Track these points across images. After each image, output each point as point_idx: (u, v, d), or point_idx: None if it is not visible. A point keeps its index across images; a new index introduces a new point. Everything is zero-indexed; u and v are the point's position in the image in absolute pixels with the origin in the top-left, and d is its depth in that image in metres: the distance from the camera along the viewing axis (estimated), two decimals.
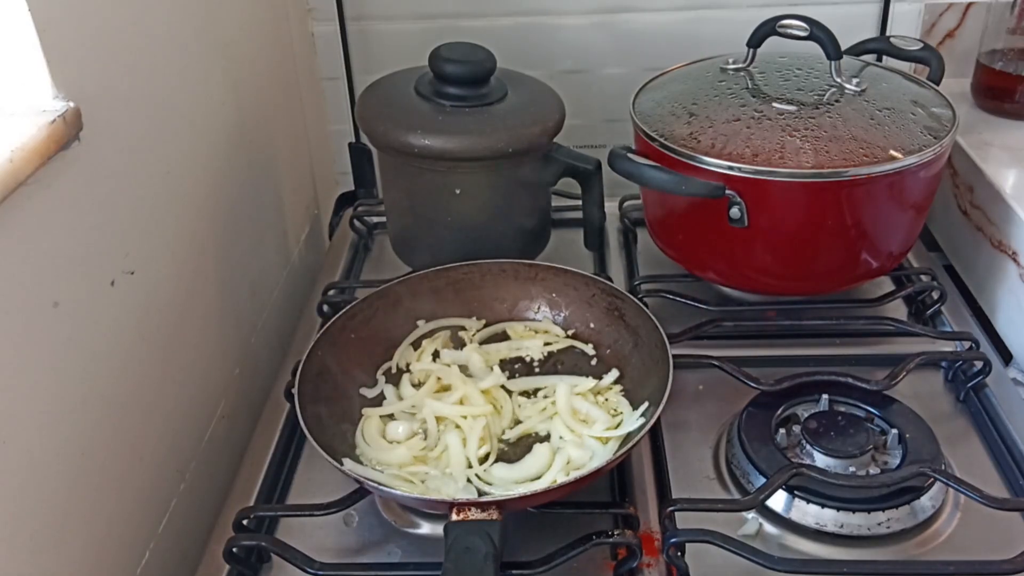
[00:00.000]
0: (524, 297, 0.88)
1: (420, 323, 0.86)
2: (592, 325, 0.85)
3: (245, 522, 0.70)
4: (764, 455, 0.72)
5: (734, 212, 0.81)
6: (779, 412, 0.77)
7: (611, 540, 0.66)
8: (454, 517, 0.62)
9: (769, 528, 0.70)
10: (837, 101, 0.85)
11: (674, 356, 0.73)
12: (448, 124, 0.86)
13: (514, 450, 0.75)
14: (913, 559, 0.67)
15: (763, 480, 0.70)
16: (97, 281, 0.64)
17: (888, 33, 1.12)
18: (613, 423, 0.75)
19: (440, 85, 0.87)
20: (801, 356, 0.85)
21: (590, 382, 0.79)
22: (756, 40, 0.91)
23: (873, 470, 0.71)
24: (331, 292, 0.94)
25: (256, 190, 0.97)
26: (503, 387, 0.79)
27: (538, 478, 0.71)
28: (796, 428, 0.75)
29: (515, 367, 0.83)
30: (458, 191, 0.88)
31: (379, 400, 0.79)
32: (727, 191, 0.80)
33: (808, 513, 0.69)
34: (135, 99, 0.69)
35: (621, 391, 0.79)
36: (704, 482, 0.75)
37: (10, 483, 0.54)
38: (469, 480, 0.71)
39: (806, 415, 0.76)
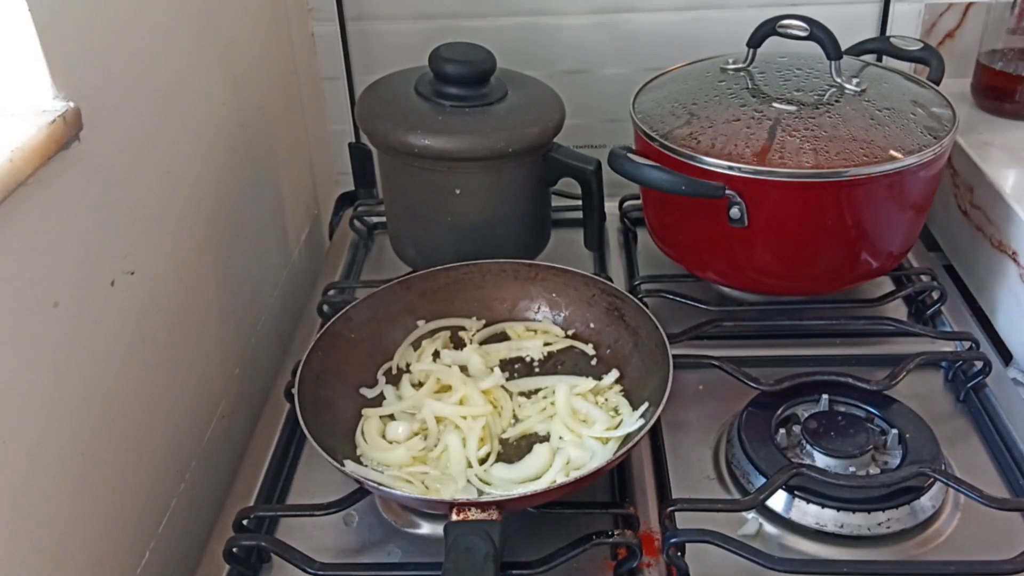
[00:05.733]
0: (524, 297, 0.88)
1: (420, 323, 0.86)
2: (592, 325, 0.85)
3: (245, 522, 0.70)
4: (764, 455, 0.72)
5: (734, 212, 0.81)
6: (779, 412, 0.76)
7: (611, 540, 0.66)
8: (454, 517, 0.62)
9: (769, 528, 0.70)
10: (837, 101, 0.85)
11: (674, 356, 0.73)
12: (448, 124, 0.86)
13: (514, 450, 0.75)
14: (913, 559, 0.67)
15: (763, 480, 0.70)
16: (97, 281, 0.64)
17: (888, 33, 1.12)
18: (613, 423, 0.75)
19: (440, 85, 0.87)
20: (801, 356, 0.85)
21: (590, 382, 0.79)
22: (756, 40, 0.91)
23: (873, 470, 0.71)
24: (331, 292, 0.94)
25: (256, 190, 0.97)
26: (503, 387, 0.79)
27: (538, 478, 0.71)
28: (796, 428, 0.75)
29: (515, 367, 0.83)
30: (458, 191, 0.88)
31: (379, 400, 0.79)
32: (727, 191, 0.80)
33: (808, 513, 0.69)
34: (135, 99, 0.69)
35: (621, 391, 0.79)
36: (704, 482, 0.75)
37: (10, 483, 0.54)
38: (469, 480, 0.71)
39: (806, 415, 0.76)
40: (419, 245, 0.94)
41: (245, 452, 0.79)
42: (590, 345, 0.84)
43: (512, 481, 0.71)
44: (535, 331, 0.86)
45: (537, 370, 0.83)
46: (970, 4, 1.11)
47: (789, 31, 0.87)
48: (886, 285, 0.96)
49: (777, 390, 0.78)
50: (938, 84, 0.92)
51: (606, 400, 0.78)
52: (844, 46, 0.88)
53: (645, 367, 0.78)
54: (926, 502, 0.69)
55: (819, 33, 0.86)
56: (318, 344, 0.77)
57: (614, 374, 0.80)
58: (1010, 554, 0.64)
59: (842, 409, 0.77)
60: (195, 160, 0.81)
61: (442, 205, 0.89)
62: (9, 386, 0.54)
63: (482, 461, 0.72)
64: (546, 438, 0.75)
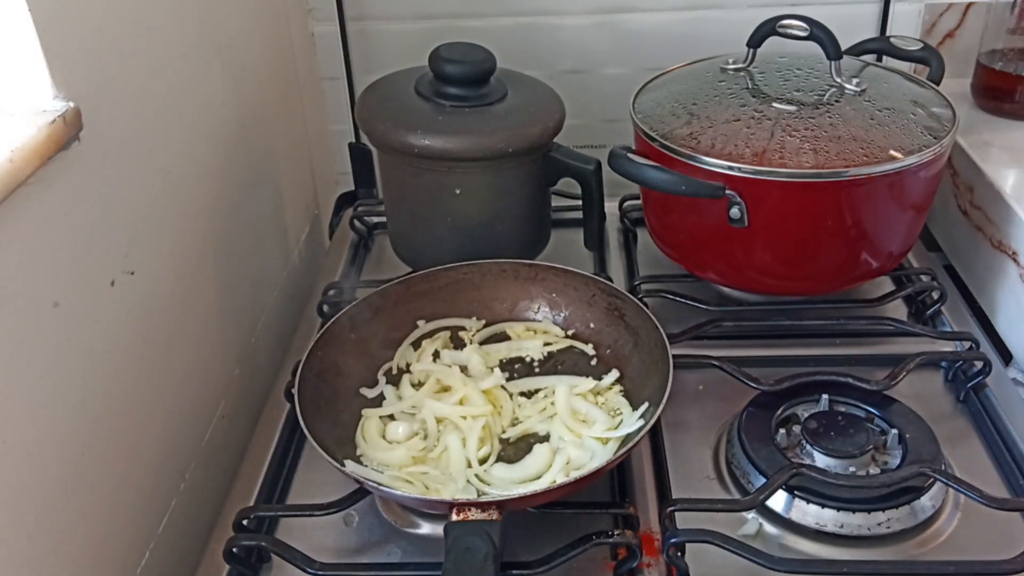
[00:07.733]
0: (524, 297, 0.88)
1: (420, 323, 0.86)
2: (592, 325, 0.85)
3: (245, 522, 0.70)
4: (764, 455, 0.72)
5: (734, 212, 0.81)
6: (779, 412, 0.77)
7: (611, 540, 0.66)
8: (454, 517, 0.62)
9: (769, 528, 0.70)
10: (837, 101, 0.85)
11: (674, 356, 0.73)
12: (448, 124, 0.86)
13: (514, 450, 0.75)
14: (913, 559, 0.67)
15: (763, 480, 0.70)
16: (97, 281, 0.64)
17: (888, 33, 1.12)
18: (613, 424, 0.75)
19: (440, 85, 0.88)
20: (801, 356, 0.85)
21: (590, 382, 0.79)
22: (756, 40, 0.91)
23: (873, 470, 0.71)
24: (331, 292, 0.94)
25: (256, 190, 0.97)
26: (503, 387, 0.79)
27: (538, 478, 0.71)
28: (796, 428, 0.75)
29: (515, 367, 0.83)
30: (458, 191, 0.88)
31: (379, 400, 0.79)
32: (727, 191, 0.80)
33: (808, 513, 0.69)
34: (135, 99, 0.69)
35: (621, 391, 0.79)
36: (704, 482, 0.75)
37: (10, 483, 0.54)
38: (469, 480, 0.71)
39: (806, 415, 0.76)
40: (419, 245, 0.94)
41: (245, 452, 0.79)
42: (590, 345, 0.84)
43: (512, 481, 0.71)
44: (535, 331, 0.86)
45: (537, 370, 0.83)
46: (970, 4, 1.11)
47: (789, 31, 0.87)
48: (886, 285, 0.96)
49: (777, 390, 0.78)
50: (938, 84, 0.92)
51: (606, 400, 0.78)
52: (844, 46, 0.88)
53: (645, 367, 0.78)
54: (926, 502, 0.69)
55: (819, 33, 0.86)
56: (318, 344, 0.77)
57: (614, 374, 0.80)
58: (1010, 554, 0.64)
59: (842, 409, 0.77)
60: (195, 160, 0.81)
61: (442, 205, 0.89)
62: (9, 386, 0.54)
63: (482, 461, 0.72)
64: (546, 438, 0.75)
